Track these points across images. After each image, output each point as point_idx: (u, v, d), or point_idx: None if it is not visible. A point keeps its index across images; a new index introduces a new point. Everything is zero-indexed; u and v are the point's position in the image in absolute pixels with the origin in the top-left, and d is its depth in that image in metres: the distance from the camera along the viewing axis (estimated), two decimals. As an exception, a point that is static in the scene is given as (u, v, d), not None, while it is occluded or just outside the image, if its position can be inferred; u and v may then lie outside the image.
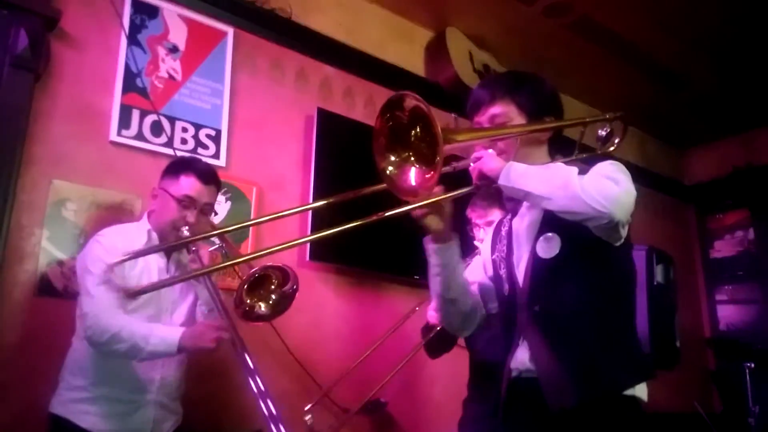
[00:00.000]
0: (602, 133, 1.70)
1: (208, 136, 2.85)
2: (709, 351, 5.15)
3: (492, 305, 1.63)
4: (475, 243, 2.34)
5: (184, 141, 2.78)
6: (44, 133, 2.45)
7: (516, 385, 1.47)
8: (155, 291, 2.04)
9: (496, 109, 1.57)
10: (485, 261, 1.66)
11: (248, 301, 2.07)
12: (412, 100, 1.29)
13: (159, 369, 2.03)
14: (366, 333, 3.12)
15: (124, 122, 2.64)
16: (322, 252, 3.01)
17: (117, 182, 2.58)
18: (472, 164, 1.48)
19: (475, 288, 1.63)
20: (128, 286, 1.30)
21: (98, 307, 1.89)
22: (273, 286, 2.12)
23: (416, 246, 1.60)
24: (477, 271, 1.69)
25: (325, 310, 3.09)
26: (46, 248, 2.39)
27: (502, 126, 1.54)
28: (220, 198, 2.84)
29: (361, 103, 3.48)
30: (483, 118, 1.59)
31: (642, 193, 5.25)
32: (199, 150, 2.81)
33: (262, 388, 1.73)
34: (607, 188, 1.31)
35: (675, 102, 4.76)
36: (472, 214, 2.36)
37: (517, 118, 1.56)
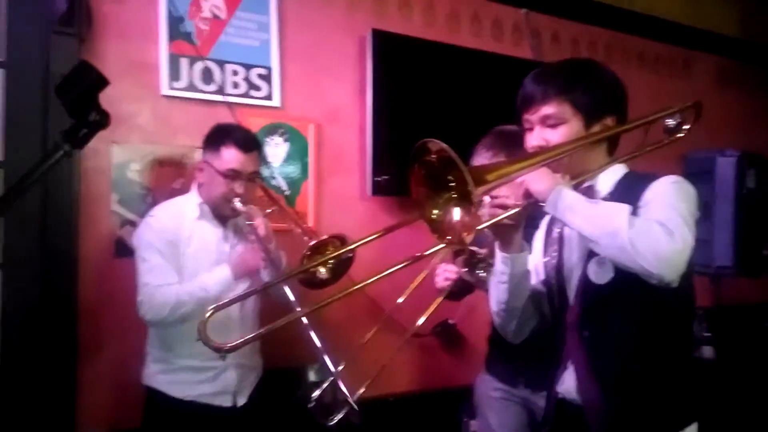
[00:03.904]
0: (671, 122, 1.52)
1: (259, 76, 2.75)
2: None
3: (545, 311, 1.57)
4: None
5: (235, 85, 2.70)
6: (97, 97, 2.45)
7: (562, 408, 1.46)
8: (216, 256, 2.14)
9: (548, 109, 1.42)
10: (537, 264, 1.58)
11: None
12: (435, 145, 1.19)
13: (237, 335, 2.13)
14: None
15: (174, 73, 2.58)
16: (384, 186, 2.96)
17: (174, 137, 2.59)
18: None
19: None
20: (221, 345, 1.31)
21: (150, 291, 2.02)
22: (331, 252, 2.16)
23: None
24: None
25: (391, 242, 3.09)
26: (117, 211, 2.48)
27: (540, 152, 1.40)
28: (278, 140, 2.81)
29: (419, 12, 3.21)
30: (534, 117, 1.45)
31: (742, 71, 4.74)
32: (252, 92, 2.73)
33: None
34: (659, 245, 1.18)
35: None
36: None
37: (572, 119, 1.41)
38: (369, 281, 1.39)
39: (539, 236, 1.63)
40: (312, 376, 2.79)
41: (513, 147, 2.10)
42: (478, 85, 3.21)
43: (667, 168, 1.80)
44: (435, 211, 1.28)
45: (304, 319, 1.94)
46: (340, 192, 2.97)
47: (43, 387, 2.31)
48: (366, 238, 1.53)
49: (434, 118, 3.06)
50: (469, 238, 1.22)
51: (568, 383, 1.44)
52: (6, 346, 2.32)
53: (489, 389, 2.33)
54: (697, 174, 3.24)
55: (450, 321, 3.21)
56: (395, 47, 3.01)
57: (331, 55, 2.96)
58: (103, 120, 1.05)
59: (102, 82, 1.05)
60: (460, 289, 2.58)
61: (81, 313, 2.41)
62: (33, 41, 2.30)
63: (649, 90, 3.66)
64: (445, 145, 1.17)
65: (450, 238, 1.26)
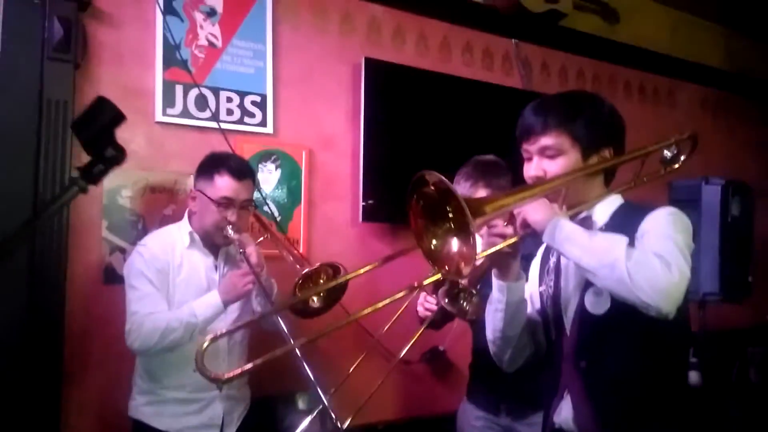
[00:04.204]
0: (668, 154, 1.55)
1: (253, 102, 2.77)
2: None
3: (540, 340, 1.58)
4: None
5: (229, 112, 2.72)
6: (91, 123, 2.45)
7: (559, 438, 1.46)
8: (206, 285, 2.13)
9: (547, 140, 1.44)
10: (532, 292, 1.60)
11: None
12: (432, 177, 1.21)
13: (224, 365, 2.11)
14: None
15: (168, 100, 2.59)
16: (375, 212, 2.98)
17: (168, 163, 2.60)
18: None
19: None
20: (218, 375, 1.31)
21: (139, 319, 2.00)
22: (322, 281, 2.16)
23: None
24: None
25: (381, 269, 3.10)
26: (107, 237, 2.47)
27: (538, 182, 1.42)
28: (271, 166, 2.82)
29: (412, 41, 3.26)
30: (533, 147, 1.47)
31: (726, 101, 4.83)
32: (246, 119, 2.75)
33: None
34: (657, 277, 1.20)
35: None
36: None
37: (570, 150, 1.43)
38: (364, 312, 1.40)
39: (535, 265, 1.64)
40: (301, 404, 2.77)
41: (491, 176, 2.13)
42: (469, 114, 3.26)
43: (654, 195, 1.83)
44: (433, 242, 1.29)
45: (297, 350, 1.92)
46: (332, 218, 2.98)
47: (27, 414, 2.26)
48: (363, 268, 1.54)
49: (426, 145, 3.10)
50: (467, 269, 1.23)
51: (564, 413, 1.44)
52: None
53: (471, 418, 2.33)
54: (683, 201, 3.28)
55: (440, 348, 3.21)
56: (388, 75, 3.05)
57: (324, 82, 2.99)
58: (119, 156, 1.05)
59: (119, 118, 1.04)
60: (440, 320, 2.58)
61: (68, 340, 2.38)
62: (28, 67, 2.30)
63: (635, 118, 3.72)
64: (442, 177, 1.19)
65: (447, 268, 1.27)
